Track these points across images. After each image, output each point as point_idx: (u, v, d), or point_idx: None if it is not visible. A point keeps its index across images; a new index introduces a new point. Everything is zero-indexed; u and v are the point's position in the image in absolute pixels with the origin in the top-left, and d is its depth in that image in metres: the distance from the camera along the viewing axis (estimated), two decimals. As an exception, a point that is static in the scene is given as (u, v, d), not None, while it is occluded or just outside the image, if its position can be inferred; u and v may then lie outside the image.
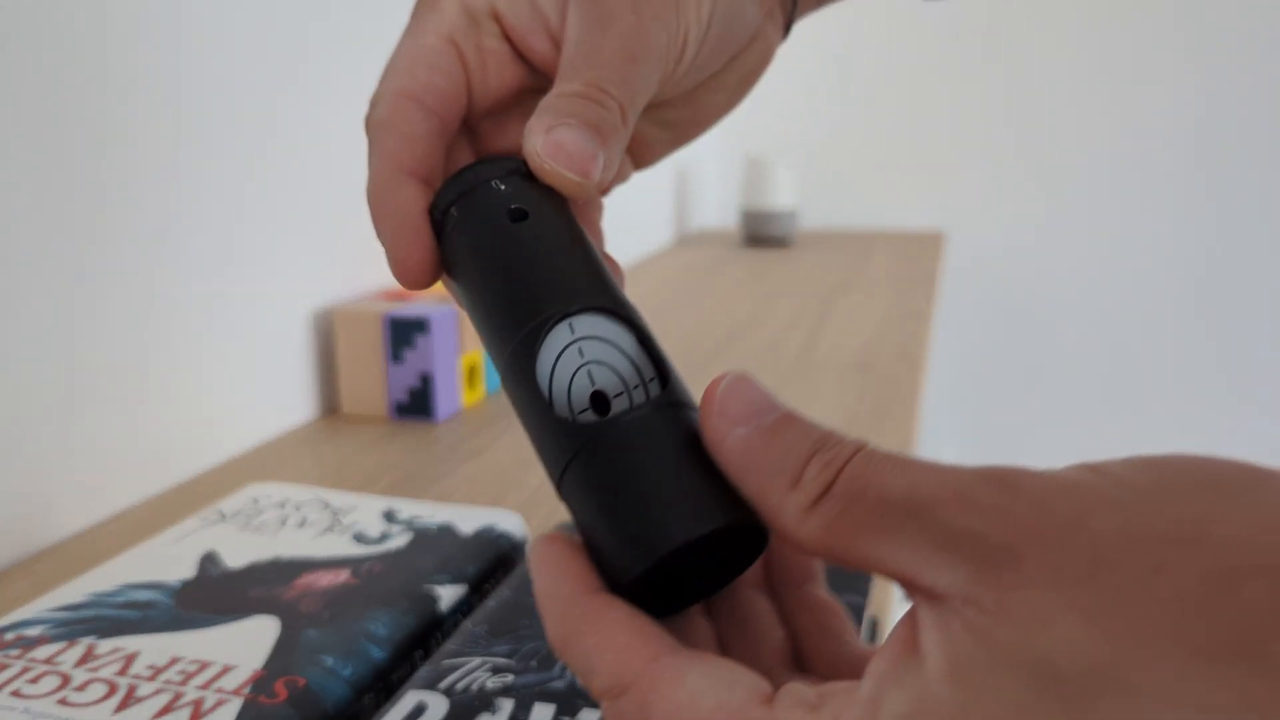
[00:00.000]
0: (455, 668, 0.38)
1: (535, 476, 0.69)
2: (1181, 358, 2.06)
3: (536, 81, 0.32)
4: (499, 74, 0.31)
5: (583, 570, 0.23)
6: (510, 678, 0.38)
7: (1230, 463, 0.18)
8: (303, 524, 0.53)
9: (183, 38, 0.67)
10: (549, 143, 0.27)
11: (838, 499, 0.19)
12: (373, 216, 0.29)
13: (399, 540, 0.51)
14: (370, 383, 0.82)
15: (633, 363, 0.24)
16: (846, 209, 2.19)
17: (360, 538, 0.51)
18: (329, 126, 0.83)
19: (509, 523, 0.53)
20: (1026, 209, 2.09)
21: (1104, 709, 0.15)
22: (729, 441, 0.21)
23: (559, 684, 0.37)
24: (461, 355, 0.84)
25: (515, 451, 0.74)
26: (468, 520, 0.53)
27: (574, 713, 0.36)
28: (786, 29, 0.37)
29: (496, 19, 0.30)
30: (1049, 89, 2.04)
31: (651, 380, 0.24)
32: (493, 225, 0.27)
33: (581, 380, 0.24)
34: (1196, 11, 1.94)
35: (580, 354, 0.24)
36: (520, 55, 0.31)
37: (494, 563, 0.50)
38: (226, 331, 0.73)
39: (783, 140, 2.18)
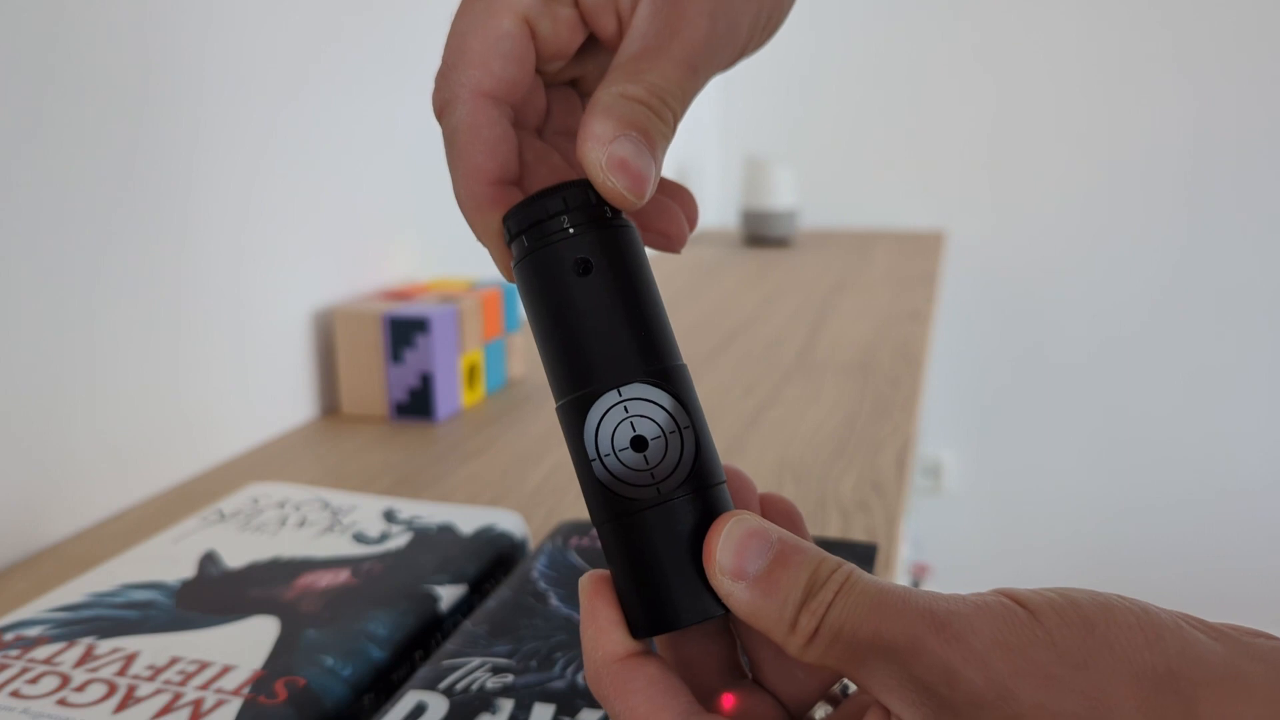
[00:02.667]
0: (455, 668, 0.38)
1: (535, 476, 0.69)
2: (1180, 356, 2.06)
3: (592, 45, 0.32)
4: (563, 41, 0.31)
5: (614, 627, 0.27)
6: (510, 678, 0.38)
7: (1153, 643, 0.22)
8: (303, 524, 0.53)
9: (195, 45, 0.67)
10: (611, 158, 0.27)
11: (823, 640, 0.24)
12: (470, 226, 0.30)
13: (399, 540, 0.51)
14: (370, 383, 0.82)
15: (671, 415, 0.27)
16: (846, 209, 2.19)
17: (360, 538, 0.51)
18: (330, 129, 0.83)
19: (509, 522, 0.53)
20: (1025, 209, 2.09)
21: None
22: (733, 599, 0.25)
23: (559, 684, 0.37)
24: (461, 355, 0.83)
25: (515, 451, 0.74)
26: (468, 520, 0.53)
27: (574, 713, 0.35)
28: None
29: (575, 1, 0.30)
30: (1048, 89, 2.04)
31: (686, 428, 0.27)
32: (556, 276, 0.28)
33: (624, 429, 0.27)
34: (1193, 14, 1.94)
35: (625, 410, 0.27)
36: (584, 22, 0.31)
37: (494, 562, 0.50)
38: (227, 331, 0.73)
39: (783, 140, 2.18)
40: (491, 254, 0.30)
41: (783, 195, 1.81)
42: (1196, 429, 2.08)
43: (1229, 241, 2.00)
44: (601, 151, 0.27)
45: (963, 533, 2.25)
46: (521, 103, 0.31)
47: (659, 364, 0.27)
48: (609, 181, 0.27)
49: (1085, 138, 2.04)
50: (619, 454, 0.27)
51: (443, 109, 0.30)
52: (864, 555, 0.49)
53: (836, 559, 0.25)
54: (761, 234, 1.83)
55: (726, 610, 0.26)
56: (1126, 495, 2.15)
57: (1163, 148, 2.00)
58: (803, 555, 0.25)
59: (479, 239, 0.30)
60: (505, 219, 0.29)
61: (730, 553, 0.25)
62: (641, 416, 0.27)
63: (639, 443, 0.27)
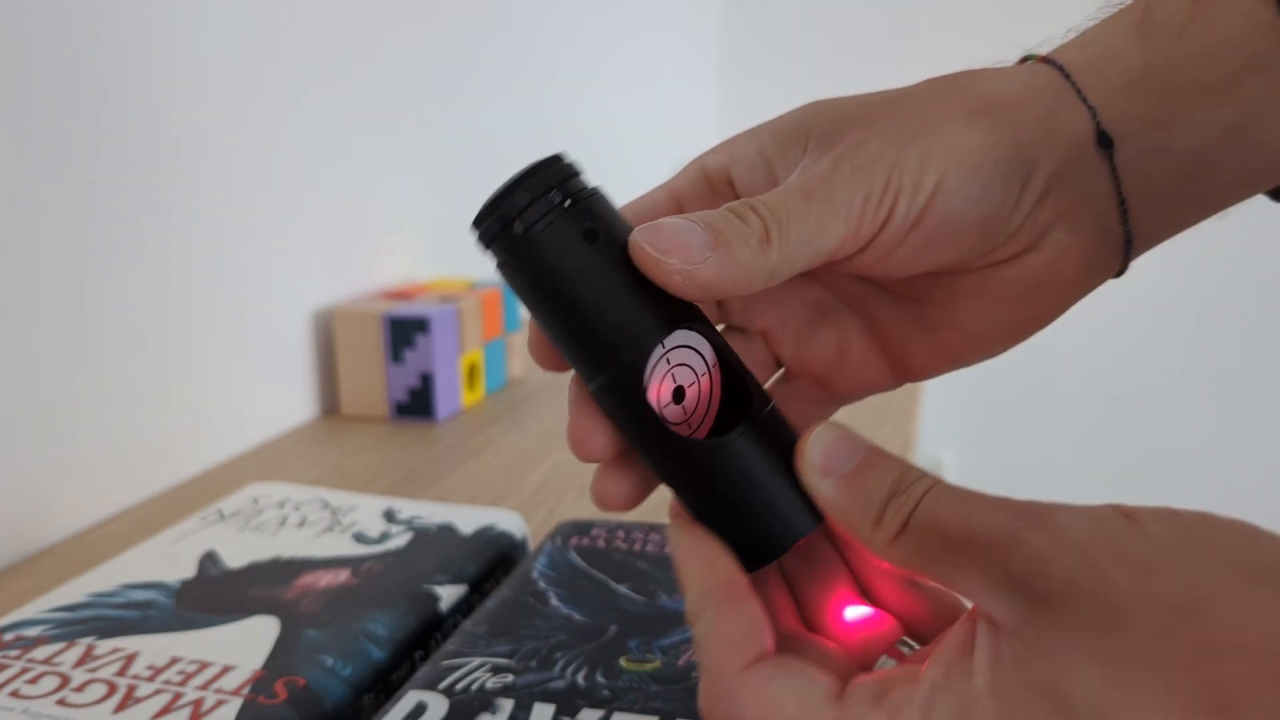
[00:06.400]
0: (455, 668, 0.38)
1: (535, 476, 0.69)
2: (1181, 357, 2.06)
3: None
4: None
5: (722, 553, 0.27)
6: (510, 678, 0.38)
7: (1253, 545, 0.21)
8: (303, 524, 0.53)
9: (194, 44, 0.67)
10: (649, 225, 0.27)
11: (911, 536, 0.24)
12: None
13: (399, 540, 0.51)
14: (370, 382, 0.82)
15: (704, 358, 0.28)
16: (846, 209, 2.18)
17: (360, 537, 0.51)
18: (331, 128, 0.83)
19: (509, 522, 0.53)
20: (1026, 209, 2.09)
21: None
22: (821, 493, 0.26)
23: (559, 684, 0.37)
24: (462, 355, 0.83)
25: (515, 451, 0.74)
26: (468, 520, 0.53)
27: (574, 713, 0.35)
28: (1123, 264, 0.31)
29: (731, 183, 0.31)
30: (1049, 89, 2.04)
31: (715, 366, 0.28)
32: (569, 249, 0.27)
33: (667, 382, 0.27)
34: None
35: (667, 362, 0.27)
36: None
37: (494, 562, 0.50)
38: (227, 331, 0.73)
39: (783, 140, 2.17)
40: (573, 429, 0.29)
41: (783, 195, 1.81)
42: (1197, 429, 2.08)
43: (1231, 242, 2.00)
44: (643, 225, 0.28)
45: (963, 533, 2.25)
46: None
47: (686, 311, 0.28)
48: (640, 244, 0.27)
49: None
50: (664, 409, 0.27)
51: None
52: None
53: (924, 469, 0.25)
54: (761, 234, 1.82)
55: (820, 521, 0.27)
56: (1127, 495, 2.14)
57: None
58: (891, 459, 0.25)
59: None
60: (486, 213, 0.28)
61: (820, 452, 0.26)
62: (683, 365, 0.27)
63: (680, 393, 0.27)
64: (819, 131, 0.29)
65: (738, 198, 0.30)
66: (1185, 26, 0.29)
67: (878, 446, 0.26)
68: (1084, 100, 0.29)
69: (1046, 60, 0.31)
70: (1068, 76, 0.30)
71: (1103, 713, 0.20)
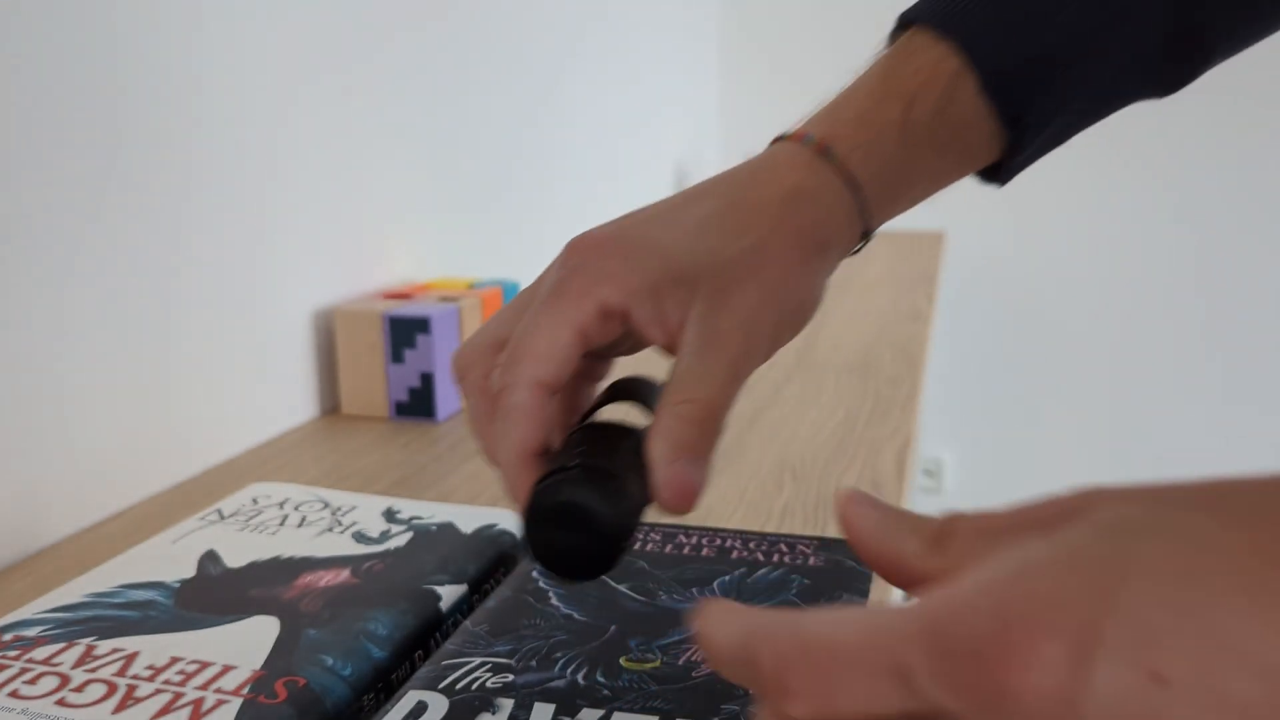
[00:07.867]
0: (456, 667, 0.38)
1: (535, 476, 0.69)
2: (1180, 356, 2.06)
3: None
4: (606, 344, 0.38)
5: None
6: (510, 677, 0.38)
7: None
8: (303, 523, 0.53)
9: (194, 43, 0.67)
10: (673, 478, 0.33)
11: (956, 535, 0.25)
12: (505, 484, 0.36)
13: (399, 539, 0.50)
14: (371, 382, 0.82)
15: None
16: (846, 209, 2.18)
17: (360, 537, 0.51)
18: (331, 128, 0.83)
19: (509, 521, 0.53)
20: (1026, 209, 2.09)
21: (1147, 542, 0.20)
22: (860, 515, 0.29)
23: (559, 683, 0.37)
24: (461, 355, 0.83)
25: (515, 451, 0.74)
26: (468, 519, 0.53)
27: (574, 712, 0.35)
28: (864, 237, 0.42)
29: (625, 318, 0.36)
30: (1049, 89, 2.04)
31: None
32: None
33: None
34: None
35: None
36: (634, 334, 0.37)
37: (494, 562, 0.50)
38: (227, 331, 0.73)
39: (783, 140, 2.18)
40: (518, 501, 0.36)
41: (783, 195, 1.81)
42: (1197, 429, 2.08)
43: (1230, 243, 2.00)
44: (665, 470, 0.33)
45: (963, 533, 2.25)
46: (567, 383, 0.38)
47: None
48: (670, 499, 0.33)
49: (1087, 137, 2.03)
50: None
51: (502, 394, 0.36)
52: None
53: None
54: (761, 234, 1.82)
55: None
56: (1127, 495, 2.15)
57: (1164, 148, 2.00)
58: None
59: (511, 492, 0.36)
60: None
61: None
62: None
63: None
64: (704, 287, 0.36)
65: (630, 331, 0.37)
66: (932, 129, 0.41)
67: None
68: (861, 213, 0.40)
69: (825, 152, 0.41)
70: (858, 189, 0.40)
71: (1146, 524, 0.20)
